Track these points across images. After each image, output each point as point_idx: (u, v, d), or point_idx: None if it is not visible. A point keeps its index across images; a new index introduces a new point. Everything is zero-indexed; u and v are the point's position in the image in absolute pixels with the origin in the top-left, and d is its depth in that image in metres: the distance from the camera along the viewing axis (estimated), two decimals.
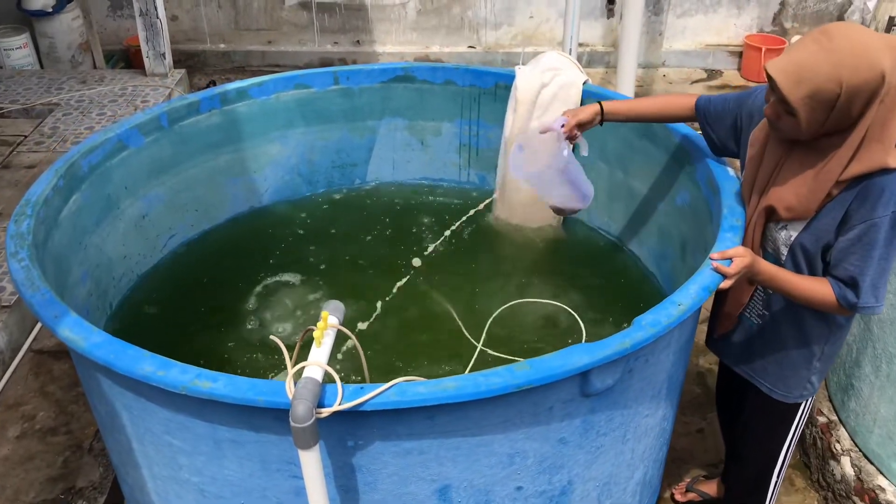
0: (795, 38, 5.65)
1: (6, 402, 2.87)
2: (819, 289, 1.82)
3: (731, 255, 1.82)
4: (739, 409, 2.28)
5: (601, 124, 2.38)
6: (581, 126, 2.36)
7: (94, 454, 2.66)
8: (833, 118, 1.67)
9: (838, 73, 1.60)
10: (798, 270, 1.88)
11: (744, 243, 1.93)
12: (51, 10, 5.26)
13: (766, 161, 1.90)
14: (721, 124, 2.15)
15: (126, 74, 5.22)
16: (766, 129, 1.90)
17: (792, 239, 1.86)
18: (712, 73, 5.88)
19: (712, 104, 2.16)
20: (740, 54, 5.84)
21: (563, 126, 2.34)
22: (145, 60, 5.09)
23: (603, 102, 2.36)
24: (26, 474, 2.59)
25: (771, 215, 1.89)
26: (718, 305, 2.15)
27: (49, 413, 2.83)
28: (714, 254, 1.84)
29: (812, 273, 1.87)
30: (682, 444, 2.93)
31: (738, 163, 2.17)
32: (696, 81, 5.78)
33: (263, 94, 3.00)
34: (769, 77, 1.68)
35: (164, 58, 5.08)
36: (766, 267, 1.85)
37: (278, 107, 3.05)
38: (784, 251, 1.89)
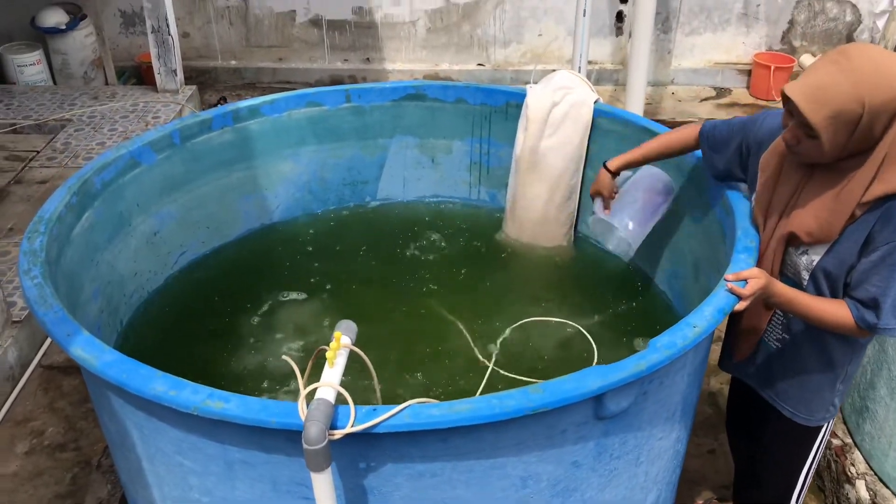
0: (805, 57, 5.67)
1: (15, 417, 2.87)
2: (836, 311, 1.80)
3: (745, 276, 1.81)
4: (760, 431, 2.24)
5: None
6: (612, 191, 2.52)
7: (103, 471, 2.65)
8: (855, 139, 1.66)
9: (860, 93, 1.60)
10: (820, 294, 1.86)
11: (762, 269, 1.90)
12: (64, 27, 5.31)
13: (782, 186, 1.88)
14: (725, 150, 2.13)
15: (137, 90, 5.25)
16: (778, 153, 1.88)
17: (814, 264, 1.84)
18: (721, 91, 5.87)
19: (717, 130, 2.16)
20: (749, 72, 5.84)
21: (603, 208, 2.54)
22: (157, 77, 5.12)
23: (607, 164, 2.47)
24: (35, 490, 2.58)
25: (791, 241, 1.87)
26: (736, 330, 2.12)
27: (58, 429, 2.82)
28: (729, 275, 1.83)
29: (834, 297, 1.85)
30: (694, 465, 2.90)
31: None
32: (705, 99, 5.77)
33: (275, 112, 3.01)
34: (788, 101, 1.67)
35: (176, 74, 5.12)
36: (782, 289, 1.83)
37: (290, 124, 3.06)
38: (805, 276, 1.87)
